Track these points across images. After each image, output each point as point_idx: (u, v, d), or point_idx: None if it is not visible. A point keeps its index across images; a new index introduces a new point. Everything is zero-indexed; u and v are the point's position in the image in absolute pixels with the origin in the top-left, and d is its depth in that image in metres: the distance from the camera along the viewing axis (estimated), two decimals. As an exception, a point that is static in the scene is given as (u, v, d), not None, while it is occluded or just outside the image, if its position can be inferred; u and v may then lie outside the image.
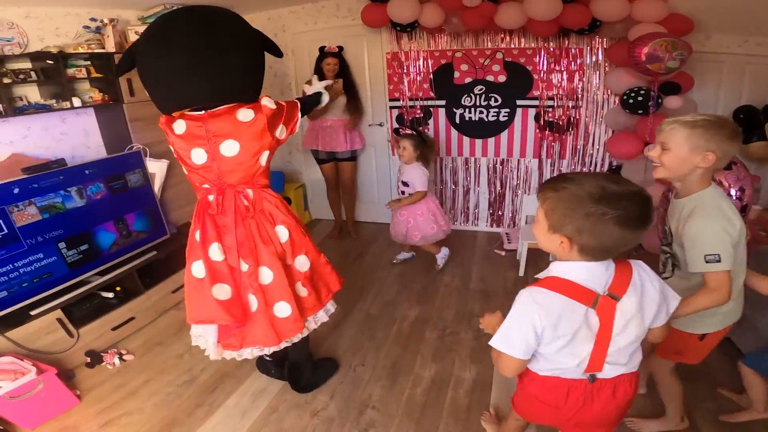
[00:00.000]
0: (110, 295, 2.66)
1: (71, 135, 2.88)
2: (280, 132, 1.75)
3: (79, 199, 2.49)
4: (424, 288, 3.09)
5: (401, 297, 2.99)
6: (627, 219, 0.92)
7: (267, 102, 1.68)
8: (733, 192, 2.33)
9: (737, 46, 2.97)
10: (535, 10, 2.81)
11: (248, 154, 1.67)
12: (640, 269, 1.08)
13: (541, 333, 1.03)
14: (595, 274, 1.02)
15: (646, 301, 1.05)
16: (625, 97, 2.80)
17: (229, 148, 1.64)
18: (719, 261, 1.21)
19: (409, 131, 3.47)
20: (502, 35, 3.35)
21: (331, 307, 2.04)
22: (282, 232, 1.80)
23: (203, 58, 1.52)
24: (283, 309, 1.79)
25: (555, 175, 1.06)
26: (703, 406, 1.93)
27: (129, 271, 2.67)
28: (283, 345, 1.87)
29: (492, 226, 3.96)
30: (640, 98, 2.71)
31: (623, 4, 2.72)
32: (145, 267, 2.78)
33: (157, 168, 2.94)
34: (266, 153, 1.72)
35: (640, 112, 2.76)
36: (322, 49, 3.38)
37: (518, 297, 1.07)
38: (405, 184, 3.08)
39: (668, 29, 2.67)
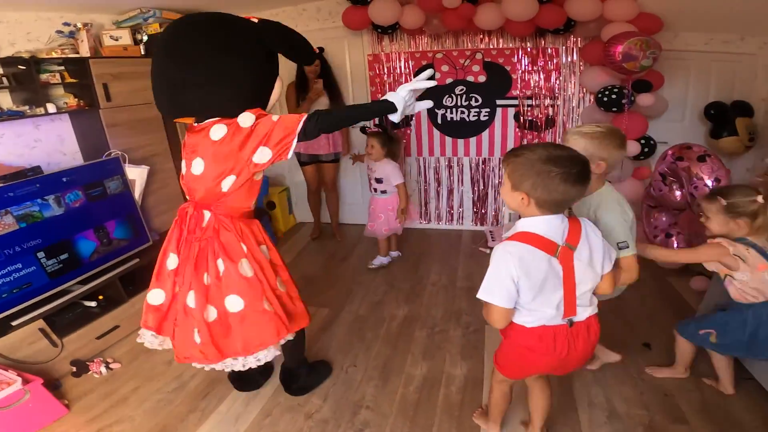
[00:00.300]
0: (93, 303, 2.59)
1: (45, 142, 2.80)
2: (260, 156, 1.49)
3: (57, 208, 2.42)
4: (412, 287, 3.11)
5: (389, 297, 3.00)
6: (569, 176, 1.18)
7: (242, 119, 1.49)
8: (709, 183, 2.43)
9: (703, 43, 3.09)
10: (513, 11, 2.87)
11: (210, 176, 1.54)
12: (586, 224, 1.32)
13: (518, 281, 1.25)
14: (552, 227, 1.26)
15: (594, 250, 1.30)
16: (599, 96, 2.89)
17: (197, 165, 1.56)
18: (628, 247, 1.51)
19: (375, 129, 3.50)
20: (482, 36, 3.41)
21: (252, 359, 1.70)
22: (220, 266, 1.62)
23: (162, 71, 1.53)
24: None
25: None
26: (690, 396, 2.00)
27: (111, 279, 2.61)
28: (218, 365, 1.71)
29: (476, 224, 4.02)
30: (613, 96, 2.80)
31: (596, 4, 2.81)
32: (127, 274, 2.72)
33: (136, 174, 2.88)
34: (232, 178, 1.54)
35: (614, 109, 2.85)
36: None
37: (493, 253, 1.29)
38: (378, 181, 3.16)
39: (639, 28, 2.77)
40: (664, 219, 2.96)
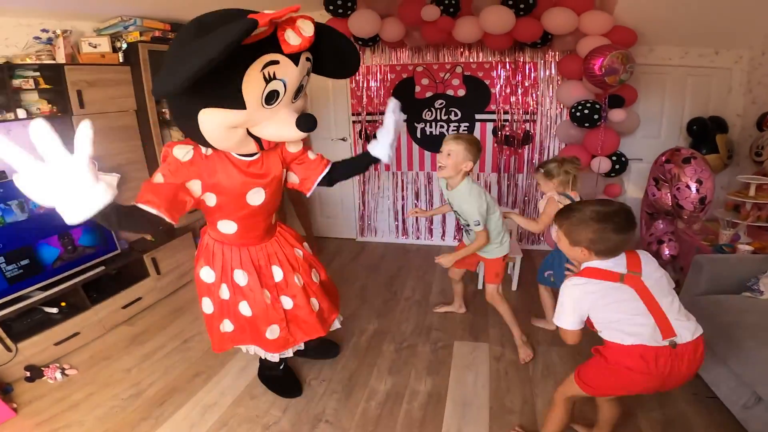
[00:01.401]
0: (54, 310, 2.54)
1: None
2: (193, 186, 1.50)
3: (20, 213, 2.39)
4: (385, 302, 3.06)
5: (361, 311, 2.95)
6: (620, 227, 1.36)
7: (172, 148, 1.46)
8: (692, 185, 2.39)
9: (679, 57, 3.11)
10: (490, 24, 2.89)
11: None
12: (641, 252, 1.46)
13: (584, 308, 1.43)
14: (614, 263, 1.42)
15: (657, 270, 1.44)
16: (573, 111, 2.89)
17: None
18: (479, 224, 2.17)
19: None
20: (462, 49, 3.43)
21: None
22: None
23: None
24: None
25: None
26: (651, 416, 1.95)
27: (73, 286, 2.56)
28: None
29: (456, 240, 3.98)
30: (586, 111, 2.80)
31: (571, 17, 2.83)
32: (93, 282, 2.68)
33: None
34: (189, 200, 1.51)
35: (586, 125, 2.84)
36: None
37: (562, 288, 1.47)
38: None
39: (613, 41, 2.78)
40: (661, 227, 2.90)
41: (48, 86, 2.73)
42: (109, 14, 2.98)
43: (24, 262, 2.39)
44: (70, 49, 2.80)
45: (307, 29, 1.30)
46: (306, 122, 1.41)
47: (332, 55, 1.52)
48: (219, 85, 1.24)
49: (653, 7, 2.77)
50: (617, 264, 1.41)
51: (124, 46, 3.04)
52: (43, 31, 2.74)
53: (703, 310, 2.06)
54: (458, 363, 2.37)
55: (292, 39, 1.27)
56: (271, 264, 1.84)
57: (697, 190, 2.39)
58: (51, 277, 2.51)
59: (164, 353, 2.54)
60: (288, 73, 1.32)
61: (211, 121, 1.33)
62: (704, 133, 3.10)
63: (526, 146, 3.53)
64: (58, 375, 2.29)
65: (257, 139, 1.45)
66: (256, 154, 1.57)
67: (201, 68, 1.07)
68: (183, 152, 1.45)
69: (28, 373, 2.26)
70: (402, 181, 3.92)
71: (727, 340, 1.85)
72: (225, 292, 1.82)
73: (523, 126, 3.48)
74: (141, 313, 2.96)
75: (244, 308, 1.85)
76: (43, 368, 2.32)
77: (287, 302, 1.89)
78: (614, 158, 3.03)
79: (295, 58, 1.32)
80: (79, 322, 2.56)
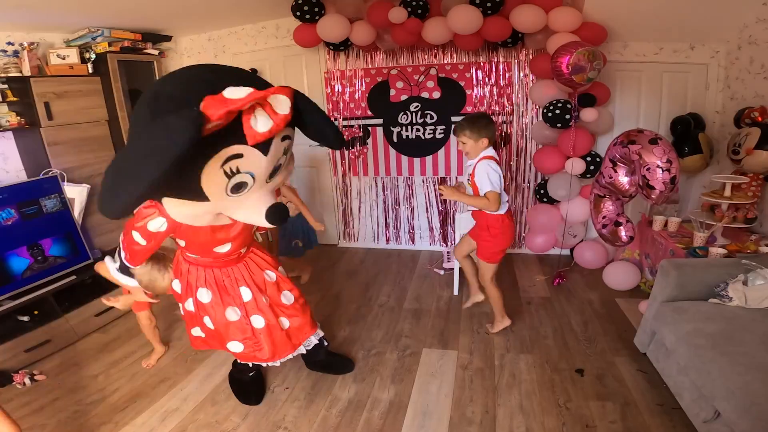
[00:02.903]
0: (26, 318, 2.56)
1: (-13, 159, 2.81)
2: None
3: (-14, 225, 2.41)
4: (358, 308, 3.03)
5: (333, 318, 2.92)
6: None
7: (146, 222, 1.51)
8: (661, 164, 2.34)
9: (653, 53, 3.03)
10: (458, 24, 2.84)
11: None
12: None
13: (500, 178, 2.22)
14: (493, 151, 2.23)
15: None
16: (545, 111, 2.83)
17: None
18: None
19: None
20: (435, 51, 3.39)
21: None
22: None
23: None
24: None
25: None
26: (612, 428, 1.90)
27: (44, 295, 2.58)
28: None
29: (435, 244, 3.94)
30: (558, 111, 2.75)
31: (539, 15, 2.78)
32: (65, 291, 2.70)
33: (76, 193, 2.87)
34: None
35: (558, 125, 2.79)
36: (254, 71, 3.39)
37: (481, 166, 2.21)
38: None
39: (583, 38, 2.73)
40: (611, 208, 2.82)
41: (15, 99, 2.75)
42: (76, 26, 3.00)
43: (-9, 274, 2.41)
44: (37, 61, 2.81)
45: (282, 106, 1.13)
46: (276, 216, 1.33)
47: (314, 130, 1.40)
48: (177, 178, 1.11)
49: (623, 2, 2.70)
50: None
51: (93, 56, 3.05)
52: (9, 44, 2.76)
53: (666, 317, 2.01)
54: (424, 371, 2.33)
55: (260, 125, 1.10)
56: (239, 285, 1.87)
57: (668, 170, 2.32)
58: (20, 287, 2.53)
59: (133, 360, 2.54)
60: (254, 165, 1.19)
61: (175, 209, 1.31)
62: (687, 131, 3.02)
63: (504, 148, 3.48)
64: (27, 380, 2.32)
65: None
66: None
67: (139, 197, 1.01)
68: (157, 225, 1.46)
69: None
70: (381, 186, 3.88)
71: (689, 349, 1.78)
72: (190, 305, 1.89)
73: (501, 127, 3.43)
74: (115, 321, 2.95)
75: (208, 322, 1.90)
76: (12, 374, 2.35)
77: (258, 321, 1.91)
78: (589, 159, 2.97)
79: (264, 146, 1.17)
80: (50, 329, 2.57)
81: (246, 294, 1.88)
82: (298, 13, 3.04)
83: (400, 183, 3.83)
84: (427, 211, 3.85)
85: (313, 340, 2.13)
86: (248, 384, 2.21)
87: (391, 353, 2.52)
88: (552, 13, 2.78)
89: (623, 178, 2.60)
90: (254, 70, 3.42)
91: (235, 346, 1.92)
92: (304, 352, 2.10)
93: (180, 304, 1.98)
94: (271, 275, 1.98)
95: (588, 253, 3.30)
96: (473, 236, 2.55)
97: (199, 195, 1.19)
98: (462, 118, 2.50)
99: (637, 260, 3.04)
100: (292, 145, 1.33)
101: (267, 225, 1.34)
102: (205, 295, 1.84)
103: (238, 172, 1.17)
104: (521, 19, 2.82)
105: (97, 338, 2.78)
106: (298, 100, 1.23)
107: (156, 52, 3.45)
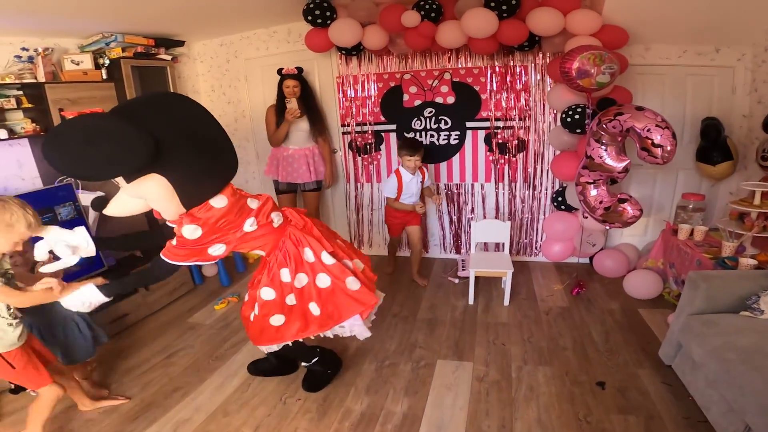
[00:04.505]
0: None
1: (3, 166, 2.80)
2: None
3: (-1, 232, 2.40)
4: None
5: (346, 326, 2.87)
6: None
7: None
8: (657, 122, 2.29)
9: (677, 56, 2.94)
10: (472, 28, 2.79)
11: None
12: None
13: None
14: None
15: None
16: (563, 116, 2.76)
17: None
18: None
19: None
20: (449, 55, 3.33)
21: None
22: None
23: None
24: None
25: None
26: None
27: (55, 304, 2.56)
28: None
29: (450, 252, 3.87)
30: (577, 116, 2.67)
31: (557, 18, 2.71)
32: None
33: (90, 200, 2.86)
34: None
35: (578, 131, 2.71)
36: (280, 71, 3.32)
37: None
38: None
39: (603, 42, 2.66)
40: (604, 189, 2.73)
41: (30, 105, 2.76)
42: (90, 31, 3.00)
43: (3, 282, 2.40)
44: (52, 66, 2.81)
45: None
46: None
47: None
48: None
49: (645, 5, 2.61)
50: None
51: (107, 62, 3.05)
52: (23, 49, 2.77)
53: (694, 330, 1.92)
54: (439, 383, 2.27)
55: None
56: (302, 246, 1.93)
57: (667, 127, 2.27)
58: (31, 296, 2.52)
59: (148, 367, 2.52)
60: None
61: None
62: (717, 135, 2.90)
63: (521, 154, 3.40)
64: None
65: None
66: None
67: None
68: (190, 231, 1.70)
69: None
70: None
71: (718, 363, 1.71)
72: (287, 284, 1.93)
73: (517, 133, 3.36)
74: (128, 329, 2.94)
75: (290, 300, 1.95)
76: None
77: (324, 280, 1.95)
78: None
79: None
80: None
81: (308, 255, 1.93)
82: (310, 18, 3.01)
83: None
84: (440, 219, 3.78)
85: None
86: (320, 372, 2.30)
87: (405, 364, 2.46)
88: (570, 16, 2.71)
89: (610, 161, 2.54)
90: (300, 69, 3.34)
91: (314, 309, 1.94)
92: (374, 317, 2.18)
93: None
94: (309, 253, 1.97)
95: (608, 262, 3.21)
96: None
97: None
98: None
99: (660, 269, 2.94)
100: None
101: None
102: (286, 275, 1.91)
103: None
104: (538, 22, 2.75)
105: (109, 346, 2.72)
106: None
107: (169, 58, 3.45)
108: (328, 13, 3.00)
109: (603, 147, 2.50)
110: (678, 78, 3.03)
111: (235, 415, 2.12)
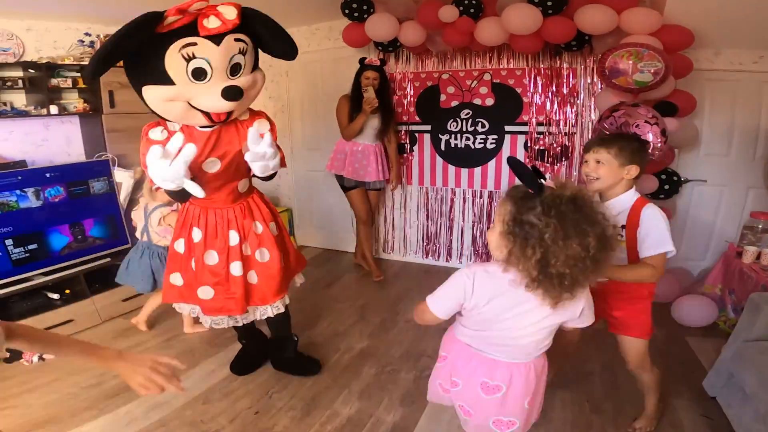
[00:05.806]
0: (56, 296, 2.64)
1: (52, 141, 3.02)
2: None
3: (35, 200, 2.55)
4: (382, 322, 2.81)
5: (355, 328, 2.73)
6: None
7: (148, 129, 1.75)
8: (647, 118, 2.13)
9: (752, 62, 2.58)
10: (514, 24, 2.62)
11: None
12: None
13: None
14: None
15: None
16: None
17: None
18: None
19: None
20: (490, 55, 3.17)
21: None
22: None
23: None
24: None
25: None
26: None
27: (76, 274, 2.66)
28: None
29: (476, 263, 3.60)
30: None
31: (609, 15, 2.47)
32: (97, 272, 2.77)
33: (124, 178, 2.98)
34: None
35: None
36: (362, 60, 3.11)
37: (652, 214, 1.51)
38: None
39: (663, 42, 2.37)
40: None
41: (84, 86, 2.95)
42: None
43: (31, 247, 2.53)
44: (106, 52, 3.00)
45: (228, 14, 1.45)
46: (227, 92, 1.51)
47: (270, 38, 1.65)
48: (148, 65, 1.47)
49: (713, 4, 2.32)
50: None
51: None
52: (86, 34, 2.99)
53: (749, 357, 1.63)
54: (439, 397, 2.05)
55: (211, 23, 1.43)
56: (229, 228, 1.89)
57: (656, 124, 2.10)
58: (56, 264, 2.63)
59: (144, 348, 2.52)
60: (208, 52, 1.46)
61: (151, 95, 1.54)
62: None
63: (563, 162, 3.12)
64: (35, 359, 2.33)
65: (207, 114, 1.57)
66: (210, 126, 1.68)
67: (102, 55, 1.39)
68: (158, 132, 1.69)
69: (8, 354, 2.32)
70: (426, 197, 3.66)
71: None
72: (180, 246, 1.92)
73: (561, 139, 3.09)
74: (140, 308, 2.98)
75: (192, 264, 1.91)
76: (23, 351, 2.35)
77: (237, 268, 1.88)
78: (664, 177, 2.55)
79: (216, 39, 1.46)
80: (76, 309, 2.62)
81: (234, 238, 1.88)
82: (347, 11, 2.99)
83: (444, 194, 3.59)
84: (473, 228, 3.55)
85: (270, 311, 1.99)
86: (241, 352, 2.30)
87: (407, 373, 2.27)
88: (625, 14, 2.46)
89: None
90: (382, 61, 3.17)
91: (206, 292, 1.89)
92: (258, 318, 2.02)
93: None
94: (259, 227, 1.93)
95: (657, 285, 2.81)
96: (613, 313, 1.76)
97: (165, 77, 1.46)
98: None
99: (717, 295, 2.55)
100: (249, 50, 1.56)
101: (222, 104, 1.52)
102: (197, 235, 1.88)
103: (194, 57, 1.44)
104: (587, 19, 2.52)
105: (119, 323, 2.79)
106: (249, 14, 1.53)
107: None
108: (365, 7, 2.96)
109: None
110: (752, 86, 2.65)
111: (216, 403, 2.04)
